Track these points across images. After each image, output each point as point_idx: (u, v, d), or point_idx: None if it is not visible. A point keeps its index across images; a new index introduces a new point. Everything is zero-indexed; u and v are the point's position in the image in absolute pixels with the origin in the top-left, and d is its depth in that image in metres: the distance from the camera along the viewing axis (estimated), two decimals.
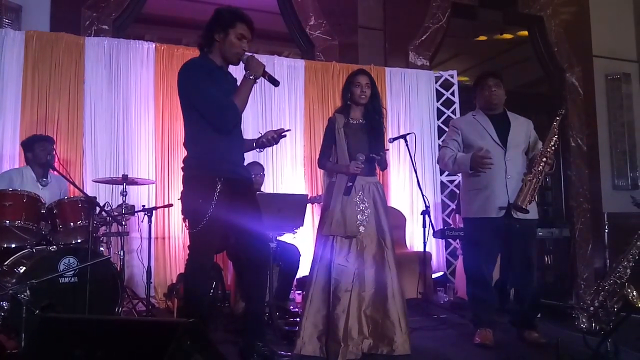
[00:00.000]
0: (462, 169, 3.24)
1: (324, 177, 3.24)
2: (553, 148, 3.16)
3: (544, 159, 3.12)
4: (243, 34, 2.58)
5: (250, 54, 2.64)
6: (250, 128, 4.75)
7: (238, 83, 2.71)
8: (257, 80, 2.61)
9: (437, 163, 3.50)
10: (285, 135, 2.71)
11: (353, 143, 3.00)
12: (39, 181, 3.73)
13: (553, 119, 3.20)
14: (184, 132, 2.67)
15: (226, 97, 2.53)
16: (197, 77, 2.53)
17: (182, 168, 2.64)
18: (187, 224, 2.58)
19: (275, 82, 2.66)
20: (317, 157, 3.18)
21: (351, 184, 2.91)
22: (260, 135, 2.76)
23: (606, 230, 5.96)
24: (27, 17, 4.71)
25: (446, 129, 5.63)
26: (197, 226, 2.49)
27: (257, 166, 4.37)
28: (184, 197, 2.60)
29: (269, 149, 4.93)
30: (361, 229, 2.92)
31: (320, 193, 4.60)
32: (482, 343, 3.11)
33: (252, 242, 2.64)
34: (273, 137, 2.68)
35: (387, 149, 3.11)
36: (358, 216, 2.92)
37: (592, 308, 2.87)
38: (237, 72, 2.74)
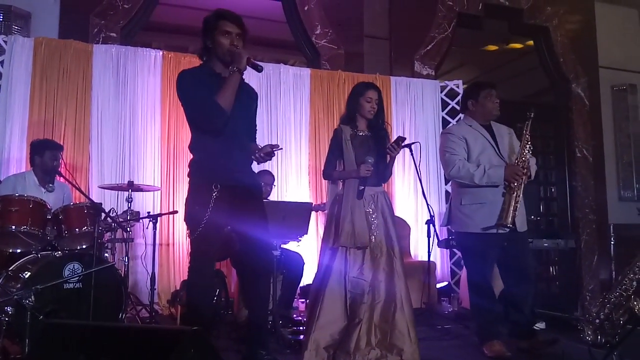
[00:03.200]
0: (490, 181, 3.12)
1: (329, 188, 3.23)
2: (527, 157, 3.13)
3: (523, 171, 3.10)
4: (227, 30, 2.56)
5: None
6: (256, 136, 4.76)
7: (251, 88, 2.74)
8: (244, 72, 2.55)
9: (450, 173, 3.25)
10: (274, 154, 2.62)
11: (361, 154, 3.00)
12: (43, 186, 3.75)
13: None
14: (190, 139, 2.69)
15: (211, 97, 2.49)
16: (184, 84, 2.57)
17: (187, 174, 2.68)
18: (188, 230, 2.61)
19: (257, 68, 2.59)
20: (322, 168, 3.18)
21: (363, 187, 2.94)
22: (258, 147, 2.69)
23: (612, 242, 5.92)
24: (36, 24, 4.76)
25: None
26: (195, 232, 2.52)
27: (268, 176, 4.35)
28: (185, 203, 2.65)
29: (275, 156, 4.97)
30: (372, 239, 2.93)
31: (324, 201, 4.60)
32: (496, 356, 3.06)
33: (254, 250, 2.64)
34: (267, 153, 2.59)
35: (405, 137, 3.10)
36: (372, 226, 2.94)
37: (597, 320, 2.85)
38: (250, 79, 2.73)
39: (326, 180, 3.26)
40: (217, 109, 2.48)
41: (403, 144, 3.06)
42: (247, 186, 2.68)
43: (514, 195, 3.07)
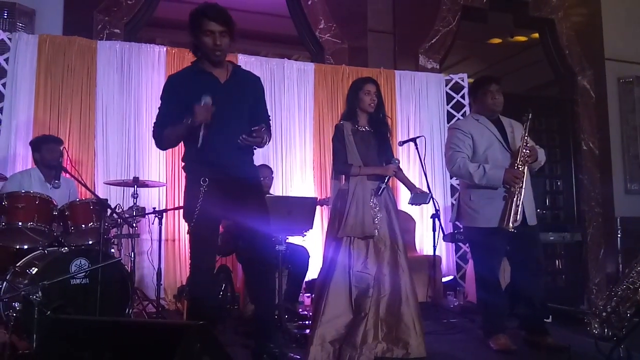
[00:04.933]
0: (489, 183, 3.11)
1: (333, 183, 3.22)
2: (527, 159, 3.11)
3: (523, 175, 3.08)
4: (210, 30, 2.50)
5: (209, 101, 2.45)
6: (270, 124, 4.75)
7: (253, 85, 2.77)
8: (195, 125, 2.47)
9: (452, 170, 3.28)
10: (254, 135, 2.53)
11: (362, 149, 3.00)
12: (49, 183, 3.75)
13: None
14: None
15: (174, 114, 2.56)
16: (164, 89, 2.67)
17: (182, 168, 2.75)
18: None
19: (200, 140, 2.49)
20: (333, 165, 3.15)
21: (384, 185, 2.98)
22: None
23: (619, 235, 5.90)
24: (40, 21, 4.77)
25: None
26: (190, 226, 2.56)
27: (265, 169, 4.37)
28: (183, 198, 2.70)
29: (279, 152, 5.00)
30: (375, 232, 2.93)
31: (329, 195, 4.60)
32: (502, 349, 3.05)
33: (255, 244, 2.65)
34: (249, 134, 2.52)
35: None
36: (375, 220, 2.94)
37: (604, 313, 2.84)
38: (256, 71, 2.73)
39: (339, 175, 3.18)
40: (159, 137, 2.63)
41: (403, 140, 3.07)
42: (242, 179, 2.64)
43: (514, 198, 3.05)
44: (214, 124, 2.51)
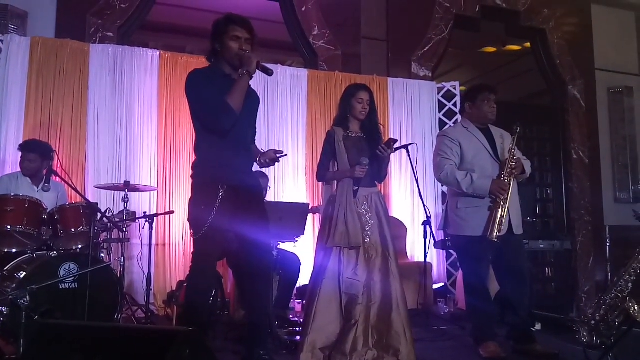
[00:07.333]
0: (475, 192, 3.14)
1: (324, 189, 3.24)
2: (513, 171, 3.14)
3: (509, 187, 3.11)
4: (237, 35, 2.59)
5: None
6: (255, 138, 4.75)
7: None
8: (253, 75, 2.58)
9: (439, 177, 3.29)
10: (278, 160, 2.70)
11: (354, 155, 3.01)
12: (36, 186, 3.71)
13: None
14: (194, 139, 2.72)
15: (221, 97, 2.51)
16: (194, 83, 2.59)
17: (191, 175, 2.69)
18: (191, 230, 2.62)
19: (268, 72, 2.62)
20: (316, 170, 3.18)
21: (357, 187, 2.95)
22: (263, 152, 2.76)
23: (608, 244, 5.94)
24: (32, 24, 4.74)
25: None
26: (199, 232, 2.52)
27: (262, 177, 4.34)
28: (189, 203, 2.65)
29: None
30: (366, 239, 2.93)
31: (321, 203, 4.60)
32: (492, 357, 3.06)
33: (254, 252, 2.65)
34: (272, 159, 2.66)
35: (397, 139, 3.11)
36: (365, 227, 2.94)
37: (593, 322, 2.85)
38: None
39: (320, 182, 3.26)
40: (227, 109, 2.50)
41: (395, 147, 3.06)
42: (250, 187, 2.70)
43: (499, 209, 3.08)
44: (235, 131, 2.56)
